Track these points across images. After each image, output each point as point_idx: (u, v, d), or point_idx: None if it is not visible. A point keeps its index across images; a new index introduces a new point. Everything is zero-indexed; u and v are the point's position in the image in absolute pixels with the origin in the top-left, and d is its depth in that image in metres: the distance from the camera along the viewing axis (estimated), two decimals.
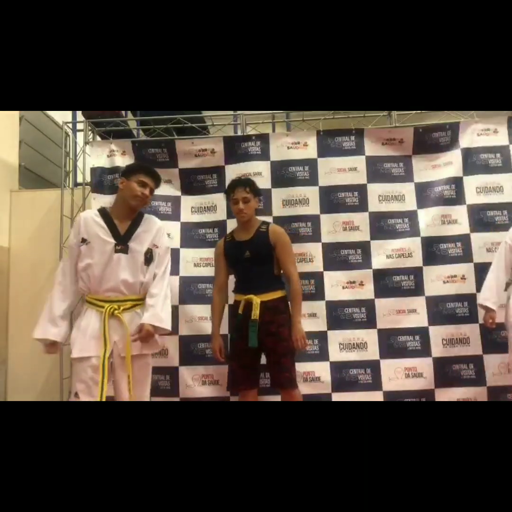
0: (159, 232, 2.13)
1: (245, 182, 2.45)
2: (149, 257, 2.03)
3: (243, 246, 2.39)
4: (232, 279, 2.56)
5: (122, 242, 1.97)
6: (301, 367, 2.68)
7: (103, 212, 2.06)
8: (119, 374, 1.97)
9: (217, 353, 2.46)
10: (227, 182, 3.03)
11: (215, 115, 3.37)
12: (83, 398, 1.87)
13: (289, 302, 2.41)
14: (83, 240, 1.98)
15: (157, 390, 2.88)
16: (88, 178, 3.17)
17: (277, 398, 2.47)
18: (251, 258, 2.36)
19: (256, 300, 2.29)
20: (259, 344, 2.28)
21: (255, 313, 2.27)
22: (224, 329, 2.88)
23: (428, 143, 3.00)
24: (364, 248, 2.92)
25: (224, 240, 2.53)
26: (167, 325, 2.08)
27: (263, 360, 2.45)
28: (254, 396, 2.41)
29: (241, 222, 2.46)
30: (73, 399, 1.92)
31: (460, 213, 2.90)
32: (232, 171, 3.04)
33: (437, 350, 2.80)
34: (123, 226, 2.02)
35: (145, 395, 2.09)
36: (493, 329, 2.52)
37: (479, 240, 2.86)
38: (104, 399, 1.86)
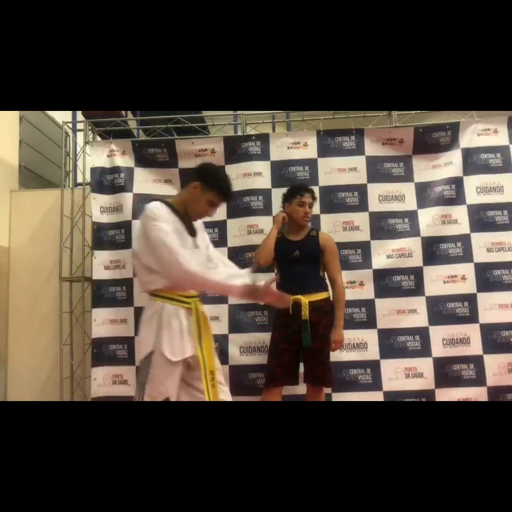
0: (203, 227, 2.07)
1: (311, 189, 2.56)
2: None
3: (293, 246, 2.47)
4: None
5: (194, 236, 1.93)
6: (300, 367, 2.68)
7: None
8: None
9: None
10: None
11: (215, 115, 3.38)
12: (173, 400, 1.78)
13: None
14: None
15: None
16: (88, 178, 3.17)
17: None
18: (301, 258, 2.44)
19: (304, 300, 2.35)
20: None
21: (305, 313, 2.33)
22: (225, 329, 2.89)
23: (428, 143, 3.00)
24: (364, 248, 2.92)
25: (276, 237, 2.58)
26: None
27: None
28: (279, 394, 2.46)
29: (297, 225, 2.52)
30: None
31: (460, 213, 2.91)
32: (232, 171, 3.04)
33: (437, 350, 2.80)
34: (189, 224, 1.94)
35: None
36: None
37: (479, 240, 2.86)
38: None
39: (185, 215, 1.90)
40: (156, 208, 1.80)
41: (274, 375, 2.41)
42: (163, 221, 1.77)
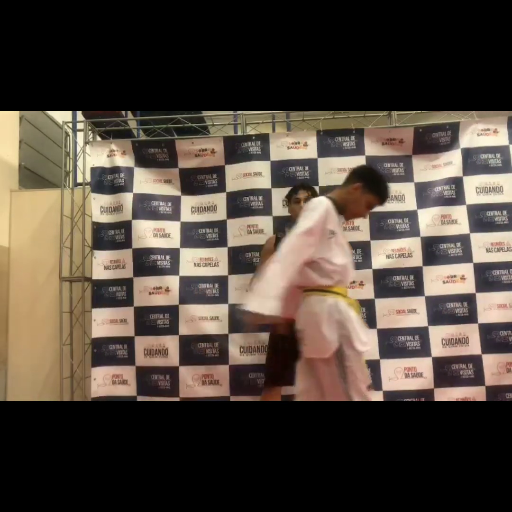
0: None
1: (308, 186, 2.56)
2: None
3: None
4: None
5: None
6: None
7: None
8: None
9: None
10: (227, 182, 3.05)
11: (215, 115, 3.38)
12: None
13: None
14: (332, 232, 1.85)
15: (157, 390, 2.89)
16: (88, 178, 3.17)
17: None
18: None
19: None
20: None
21: None
22: (225, 329, 2.89)
23: (428, 143, 3.00)
24: (364, 248, 2.92)
25: (276, 236, 2.56)
26: None
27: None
28: (279, 393, 2.49)
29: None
30: (367, 392, 1.80)
31: (460, 213, 2.91)
32: (232, 171, 3.05)
33: (436, 350, 2.80)
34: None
35: None
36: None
37: (478, 240, 2.87)
38: None
39: (341, 214, 1.92)
40: (324, 203, 1.85)
41: (274, 374, 2.41)
42: (315, 222, 1.78)
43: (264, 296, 1.69)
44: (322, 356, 1.80)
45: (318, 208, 1.83)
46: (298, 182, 2.83)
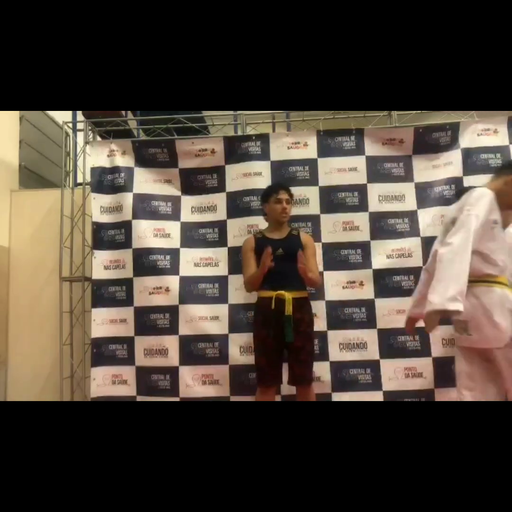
0: None
1: (286, 186, 2.60)
2: None
3: (276, 244, 2.48)
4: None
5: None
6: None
7: None
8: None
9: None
10: (227, 182, 3.05)
11: (215, 115, 3.38)
12: None
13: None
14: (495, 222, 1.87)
15: (157, 390, 2.88)
16: (88, 178, 3.17)
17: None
18: (284, 256, 2.45)
19: (288, 296, 2.37)
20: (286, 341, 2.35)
21: (288, 308, 2.34)
22: (225, 329, 2.89)
23: (428, 143, 3.00)
24: (364, 248, 2.92)
25: (255, 237, 2.58)
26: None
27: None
28: (273, 393, 2.52)
29: (277, 223, 2.55)
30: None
31: None
32: (232, 171, 3.05)
33: (437, 350, 2.79)
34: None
35: None
36: None
37: None
38: None
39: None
40: (489, 193, 1.86)
41: (266, 375, 2.42)
42: (483, 211, 1.80)
43: (449, 292, 1.69)
44: (497, 346, 1.79)
45: (485, 197, 1.85)
46: (294, 183, 2.84)
